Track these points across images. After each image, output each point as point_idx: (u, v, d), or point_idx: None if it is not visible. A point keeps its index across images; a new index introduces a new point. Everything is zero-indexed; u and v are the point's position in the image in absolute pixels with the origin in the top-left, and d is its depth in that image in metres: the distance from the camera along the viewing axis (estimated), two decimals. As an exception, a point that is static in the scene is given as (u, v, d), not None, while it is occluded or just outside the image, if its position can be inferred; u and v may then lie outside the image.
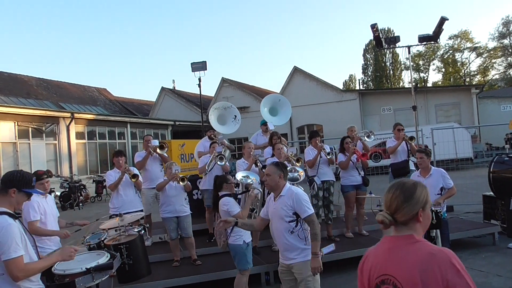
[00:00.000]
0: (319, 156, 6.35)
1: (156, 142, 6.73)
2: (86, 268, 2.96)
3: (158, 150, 6.61)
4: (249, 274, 4.58)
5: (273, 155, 6.30)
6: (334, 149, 6.77)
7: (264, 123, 7.47)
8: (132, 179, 5.85)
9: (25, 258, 2.52)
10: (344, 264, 5.67)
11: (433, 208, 4.47)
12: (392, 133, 7.26)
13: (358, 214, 6.75)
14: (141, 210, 5.79)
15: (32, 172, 4.28)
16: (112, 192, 6.03)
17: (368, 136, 7.15)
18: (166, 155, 6.82)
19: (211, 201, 6.34)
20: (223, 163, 6.28)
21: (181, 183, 5.51)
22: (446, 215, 4.91)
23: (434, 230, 4.49)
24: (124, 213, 4.55)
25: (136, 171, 6.02)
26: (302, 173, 5.13)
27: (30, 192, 2.73)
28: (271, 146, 6.60)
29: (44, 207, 4.14)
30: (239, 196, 4.73)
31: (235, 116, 7.82)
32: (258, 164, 6.09)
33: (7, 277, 2.44)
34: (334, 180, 6.61)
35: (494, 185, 6.54)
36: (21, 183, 2.66)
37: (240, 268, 4.48)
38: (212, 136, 7.21)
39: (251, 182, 4.60)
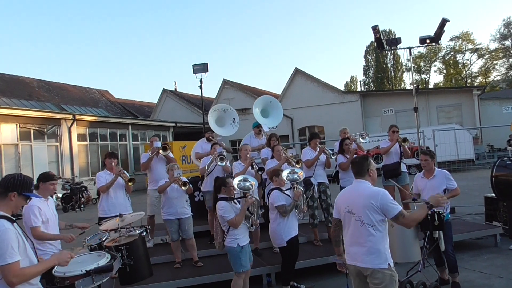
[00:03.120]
0: (318, 158, 6.35)
1: (158, 144, 6.73)
2: (85, 271, 2.95)
3: (161, 152, 6.60)
4: (245, 276, 4.59)
5: (272, 157, 6.32)
6: (333, 151, 6.77)
7: (257, 126, 7.49)
8: (129, 183, 5.79)
9: (25, 262, 2.50)
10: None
11: (435, 210, 4.46)
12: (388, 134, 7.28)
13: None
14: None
15: (40, 173, 4.30)
16: (102, 194, 5.86)
17: (363, 137, 7.17)
18: (172, 156, 6.82)
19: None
20: (224, 163, 6.26)
21: (183, 188, 5.50)
22: (449, 216, 4.89)
23: (437, 232, 4.47)
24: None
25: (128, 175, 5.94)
26: (302, 173, 5.13)
27: (29, 195, 2.70)
28: (269, 147, 6.60)
29: (45, 211, 4.08)
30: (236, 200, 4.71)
31: (234, 119, 7.83)
32: (254, 167, 6.09)
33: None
34: (328, 182, 6.62)
35: (497, 189, 6.51)
36: (22, 187, 2.64)
37: (234, 270, 4.50)
38: (210, 137, 7.21)
39: (250, 187, 4.56)
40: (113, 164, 5.83)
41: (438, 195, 3.61)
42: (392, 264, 3.12)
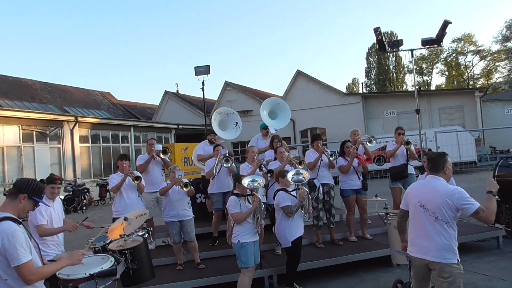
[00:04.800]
0: (320, 159, 6.36)
1: (159, 147, 6.75)
2: (89, 274, 2.96)
3: (161, 155, 6.64)
4: (250, 274, 4.69)
5: (275, 159, 6.32)
6: (336, 153, 6.73)
7: (264, 127, 7.50)
8: (135, 181, 5.88)
9: None
10: (348, 268, 5.65)
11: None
12: (394, 136, 7.26)
13: (361, 219, 6.73)
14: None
15: (47, 177, 4.36)
16: (115, 195, 6.05)
17: (370, 141, 7.10)
18: (169, 160, 6.84)
19: (221, 204, 6.39)
20: (229, 164, 6.28)
21: (184, 189, 5.52)
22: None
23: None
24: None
25: (139, 174, 6.05)
26: (306, 174, 5.15)
27: (38, 201, 2.76)
28: (272, 149, 6.61)
29: (50, 212, 4.15)
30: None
31: (236, 123, 7.85)
32: (263, 169, 6.10)
33: (11, 283, 2.47)
34: (334, 184, 6.59)
35: (499, 189, 6.50)
36: (33, 192, 2.71)
37: (238, 266, 4.70)
38: (213, 140, 7.22)
39: (258, 186, 4.66)
40: (124, 165, 5.93)
41: (490, 180, 3.58)
42: (459, 260, 3.22)
